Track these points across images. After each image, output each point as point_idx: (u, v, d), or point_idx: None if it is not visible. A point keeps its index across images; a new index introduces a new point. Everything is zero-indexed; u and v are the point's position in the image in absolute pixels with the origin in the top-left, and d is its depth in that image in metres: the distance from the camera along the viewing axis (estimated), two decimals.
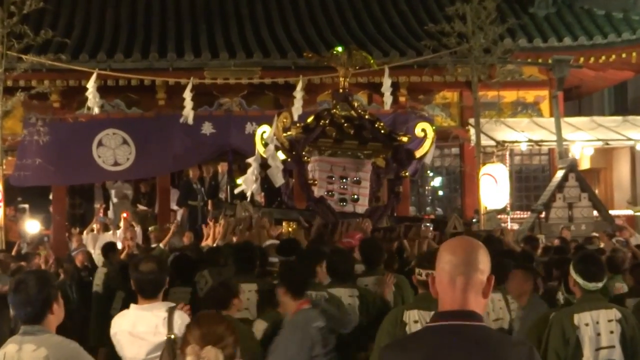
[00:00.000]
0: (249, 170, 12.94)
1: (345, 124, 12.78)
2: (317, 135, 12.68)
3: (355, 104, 13.65)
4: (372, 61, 14.31)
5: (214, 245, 11.24)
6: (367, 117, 13.18)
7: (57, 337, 4.23)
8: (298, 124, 12.98)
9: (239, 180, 13.72)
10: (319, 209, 12.32)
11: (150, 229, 16.60)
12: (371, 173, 13.30)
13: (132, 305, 5.22)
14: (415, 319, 5.34)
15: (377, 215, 12.66)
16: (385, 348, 3.28)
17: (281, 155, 12.83)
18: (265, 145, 12.81)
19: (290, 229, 12.03)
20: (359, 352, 6.80)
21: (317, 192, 12.77)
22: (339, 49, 13.88)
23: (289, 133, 12.80)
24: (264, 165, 13.09)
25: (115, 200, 19.56)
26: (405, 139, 13.23)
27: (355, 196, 12.94)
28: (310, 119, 13.06)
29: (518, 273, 6.89)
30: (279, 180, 12.73)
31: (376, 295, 7.20)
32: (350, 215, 12.17)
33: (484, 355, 2.99)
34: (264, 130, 13.21)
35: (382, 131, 13.05)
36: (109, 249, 12.22)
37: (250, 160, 13.11)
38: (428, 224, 12.14)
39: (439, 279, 3.14)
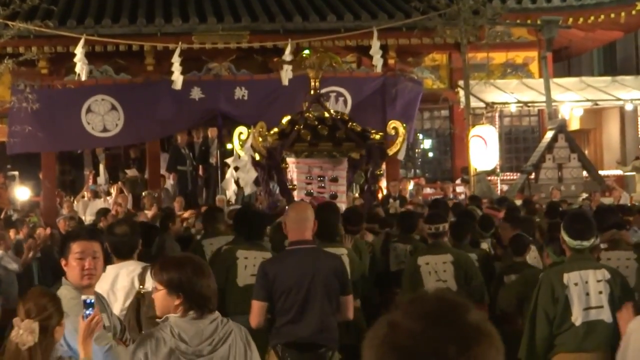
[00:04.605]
0: (228, 172, 13.22)
1: (319, 126, 12.72)
2: (293, 140, 12.65)
3: (327, 104, 13.65)
4: (339, 60, 14.28)
5: None
6: (339, 117, 13.15)
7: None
8: (273, 131, 12.87)
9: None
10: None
11: (144, 194, 16.62)
12: (347, 167, 13.30)
13: (108, 267, 5.50)
14: (426, 262, 7.30)
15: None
16: (266, 261, 5.99)
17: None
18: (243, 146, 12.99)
19: None
20: None
21: (297, 194, 12.77)
22: (306, 52, 13.90)
23: (264, 142, 12.70)
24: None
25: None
26: (377, 136, 13.18)
27: (334, 193, 12.96)
28: (285, 121, 12.97)
29: None
30: (250, 188, 13.10)
31: None
32: None
33: (316, 261, 5.64)
34: (241, 132, 13.24)
35: (355, 130, 12.99)
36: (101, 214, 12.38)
37: (229, 160, 13.32)
38: None
39: (289, 225, 5.71)
